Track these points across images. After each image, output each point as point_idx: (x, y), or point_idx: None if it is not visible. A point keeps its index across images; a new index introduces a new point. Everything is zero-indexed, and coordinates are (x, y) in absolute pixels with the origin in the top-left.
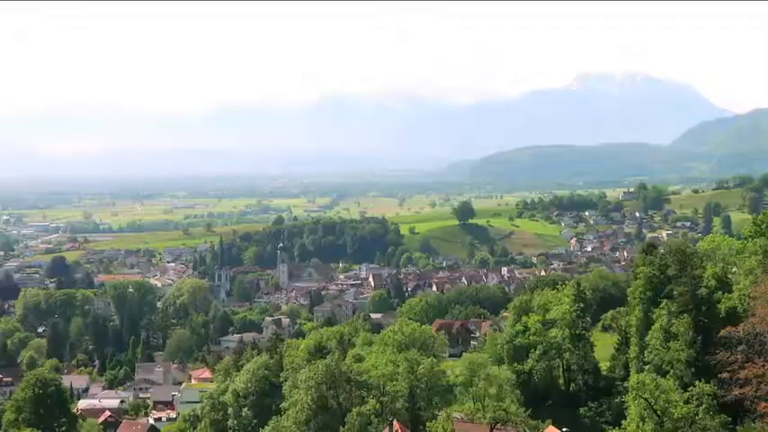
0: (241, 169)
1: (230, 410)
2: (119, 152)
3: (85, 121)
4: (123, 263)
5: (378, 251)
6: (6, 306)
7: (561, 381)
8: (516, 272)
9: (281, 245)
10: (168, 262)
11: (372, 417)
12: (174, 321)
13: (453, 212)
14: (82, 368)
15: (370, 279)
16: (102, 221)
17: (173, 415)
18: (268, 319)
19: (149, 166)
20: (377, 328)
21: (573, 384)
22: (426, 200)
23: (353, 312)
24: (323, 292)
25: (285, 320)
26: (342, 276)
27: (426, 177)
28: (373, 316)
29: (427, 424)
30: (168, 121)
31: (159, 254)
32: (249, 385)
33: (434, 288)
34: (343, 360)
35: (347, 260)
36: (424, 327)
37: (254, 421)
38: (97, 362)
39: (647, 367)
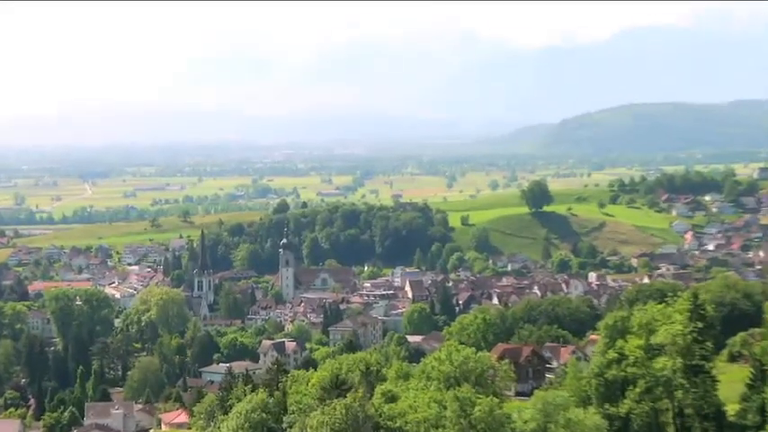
0: (229, 137)
1: None
2: (59, 115)
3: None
4: (68, 265)
5: (418, 249)
6: None
7: (671, 430)
8: (609, 279)
9: (284, 241)
10: (130, 264)
11: None
12: (137, 346)
13: (522, 197)
14: (11, 409)
15: (407, 288)
16: (38, 208)
17: None
18: (267, 342)
19: (105, 133)
20: (416, 355)
21: None
22: (484, 179)
23: (384, 334)
24: (342, 306)
25: (290, 345)
26: (368, 284)
27: (484, 148)
28: (410, 339)
29: None
30: (132, 75)
31: (118, 253)
32: None
33: (495, 300)
34: (370, 399)
35: (375, 262)
36: (480, 354)
37: None
38: (33, 401)
39: None
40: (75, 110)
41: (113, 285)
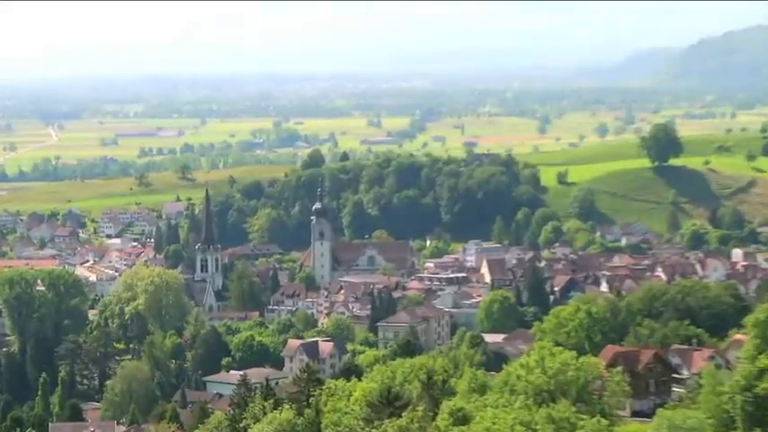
0: (242, 67)
1: None
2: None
3: None
4: (26, 237)
5: (498, 218)
6: None
7: None
8: (760, 258)
9: (318, 205)
10: (109, 236)
11: None
12: (120, 346)
13: (641, 146)
14: None
15: (484, 270)
16: None
17: None
18: (294, 342)
19: (76, 61)
20: (496, 360)
21: None
22: (589, 121)
23: (453, 332)
24: (396, 294)
25: (325, 346)
26: (431, 264)
27: (588, 81)
28: (488, 338)
29: None
30: None
31: (93, 221)
32: None
33: (605, 287)
34: (433, 420)
35: (441, 234)
36: (584, 359)
37: None
38: None
39: None
40: (36, 36)
41: (87, 265)
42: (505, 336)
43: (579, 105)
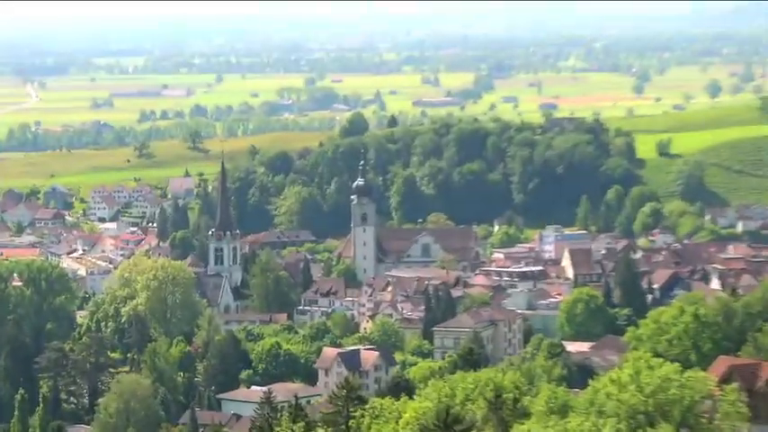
0: (268, 9)
1: None
2: None
3: None
4: (0, 221)
5: (584, 197)
6: None
7: None
8: None
9: (360, 182)
10: (102, 220)
11: None
12: (115, 355)
13: (761, 108)
14: None
15: (566, 262)
16: None
17: None
18: (330, 351)
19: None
20: (580, 374)
21: None
22: (698, 78)
23: (526, 339)
24: (456, 293)
25: (369, 356)
26: (500, 255)
27: (694, 28)
28: (571, 347)
29: None
30: None
31: (83, 201)
32: None
33: (716, 284)
34: None
35: (512, 218)
36: (690, 373)
37: None
38: None
39: None
40: None
41: (75, 255)
42: (592, 344)
43: (686, 58)
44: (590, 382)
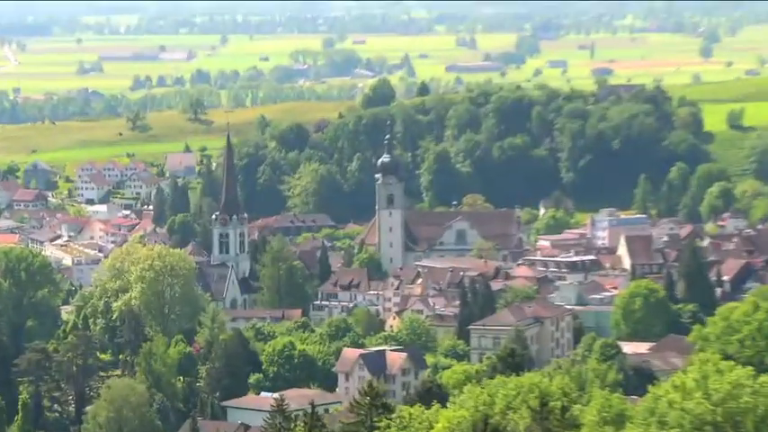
0: None
1: None
2: None
3: None
4: None
5: (642, 176)
6: None
7: None
8: None
9: (385, 158)
10: (91, 202)
11: None
12: (105, 357)
13: None
14: None
15: (622, 251)
16: None
17: None
18: (351, 352)
19: None
20: (638, 378)
21: None
22: None
23: (577, 338)
24: (495, 285)
25: (395, 357)
26: (545, 242)
27: None
28: (627, 347)
29: None
30: None
31: (68, 181)
32: None
33: None
34: None
35: (560, 200)
36: (764, 378)
37: None
38: None
39: None
40: None
41: (59, 242)
42: (652, 345)
43: (761, 17)
44: (649, 388)
